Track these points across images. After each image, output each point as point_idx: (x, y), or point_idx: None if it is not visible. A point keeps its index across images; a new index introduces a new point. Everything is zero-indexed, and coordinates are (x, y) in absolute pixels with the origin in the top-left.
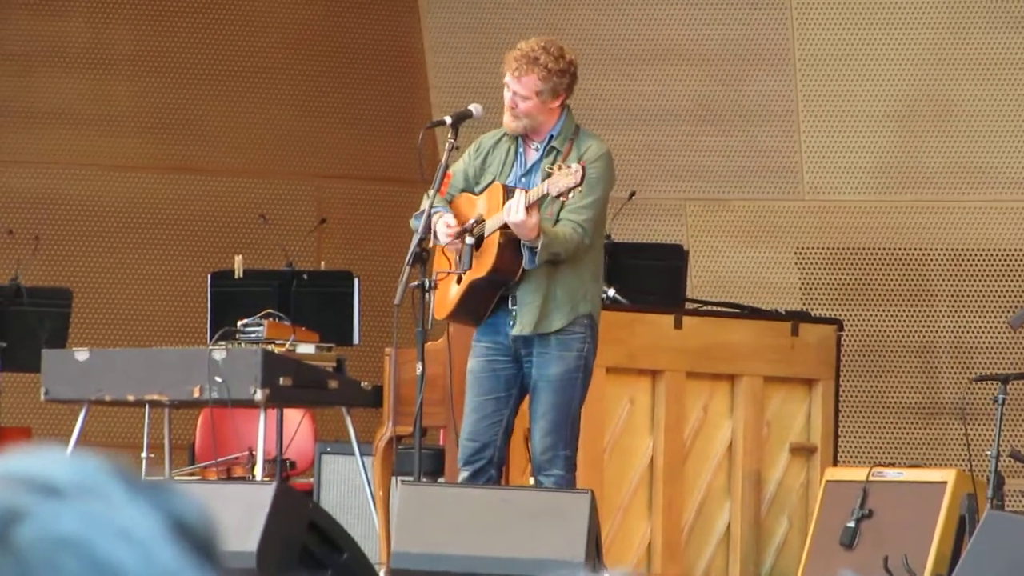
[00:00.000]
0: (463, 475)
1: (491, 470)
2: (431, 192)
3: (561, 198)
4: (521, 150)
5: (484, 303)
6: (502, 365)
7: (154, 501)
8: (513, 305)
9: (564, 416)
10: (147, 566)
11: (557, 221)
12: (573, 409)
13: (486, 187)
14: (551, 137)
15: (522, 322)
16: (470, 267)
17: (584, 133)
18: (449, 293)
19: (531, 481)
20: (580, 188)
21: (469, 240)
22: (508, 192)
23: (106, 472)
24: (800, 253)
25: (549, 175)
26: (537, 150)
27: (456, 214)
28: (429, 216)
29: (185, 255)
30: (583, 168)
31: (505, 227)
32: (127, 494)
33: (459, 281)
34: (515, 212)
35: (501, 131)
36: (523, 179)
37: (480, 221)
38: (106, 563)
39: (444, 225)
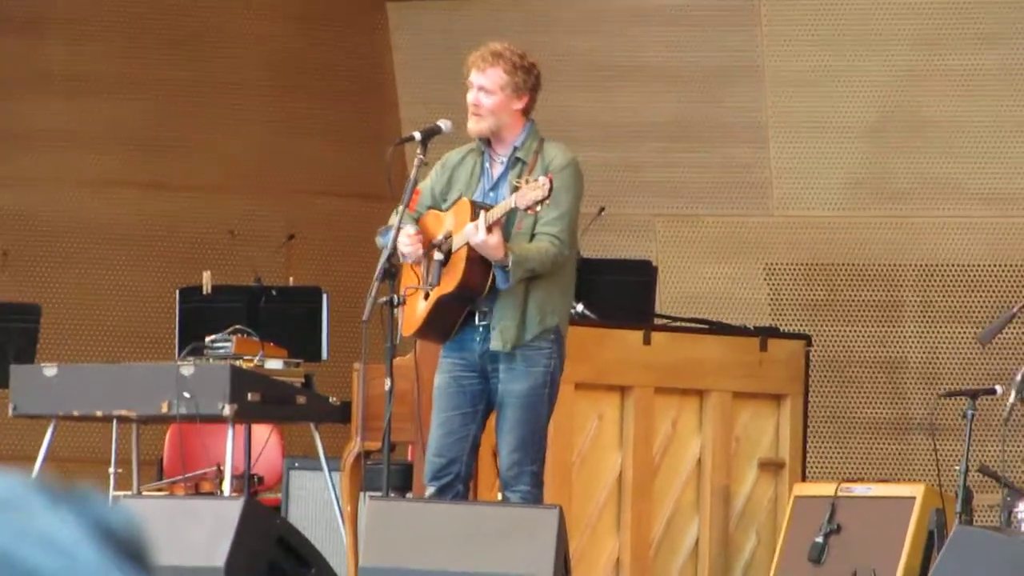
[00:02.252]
0: (430, 490)
1: (458, 485)
2: (400, 208)
3: (529, 211)
4: (487, 164)
5: (451, 319)
6: (468, 381)
7: (77, 509)
8: (481, 321)
9: (531, 432)
10: (71, 571)
11: (532, 236)
12: (540, 425)
13: (453, 203)
14: (515, 148)
15: (503, 338)
16: (438, 283)
17: (549, 143)
18: (416, 310)
19: (499, 496)
20: (547, 201)
21: (438, 256)
22: (475, 207)
23: (25, 485)
24: (769, 269)
25: (516, 188)
26: (502, 163)
27: (423, 231)
28: (397, 232)
29: (153, 271)
30: (550, 180)
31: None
32: (48, 504)
33: (426, 297)
34: (476, 233)
35: (467, 148)
36: (490, 193)
37: (448, 237)
38: (30, 570)
39: (404, 235)
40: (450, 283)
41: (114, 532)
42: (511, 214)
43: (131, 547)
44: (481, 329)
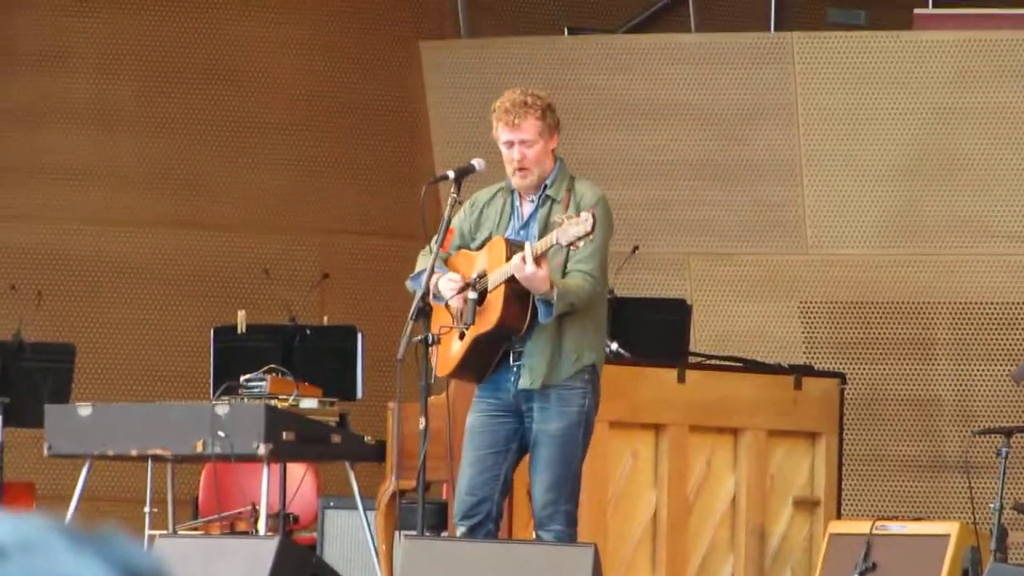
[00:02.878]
0: (460, 529)
1: (489, 524)
2: (433, 246)
3: (572, 247)
4: (517, 203)
5: (488, 358)
6: (502, 420)
7: (100, 551)
8: (515, 361)
9: (565, 471)
10: None
11: (565, 273)
12: (574, 464)
13: (482, 243)
14: (545, 187)
15: (532, 376)
16: (473, 322)
17: (579, 181)
18: (451, 349)
19: (534, 535)
20: (591, 236)
21: (472, 295)
22: (511, 246)
23: (47, 528)
24: (803, 307)
25: (559, 224)
26: (532, 201)
27: (454, 271)
28: (431, 273)
29: (188, 310)
30: (593, 216)
31: (510, 280)
32: (71, 546)
33: (461, 337)
34: (524, 267)
35: (496, 187)
36: (521, 232)
37: (483, 276)
38: None
39: (448, 281)
40: (488, 322)
41: (138, 573)
42: (543, 236)
43: None
44: (515, 369)
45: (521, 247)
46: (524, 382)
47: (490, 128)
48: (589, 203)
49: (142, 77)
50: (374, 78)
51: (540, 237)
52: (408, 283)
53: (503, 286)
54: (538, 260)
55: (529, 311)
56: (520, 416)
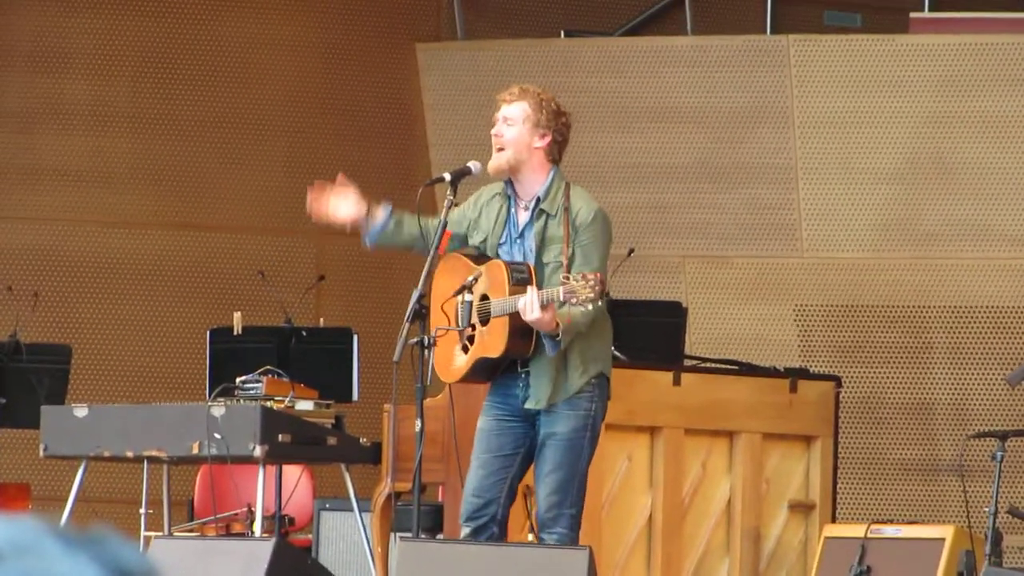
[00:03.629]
0: (464, 531)
1: (493, 527)
2: (430, 246)
3: (576, 304)
4: (513, 211)
5: (493, 373)
6: (512, 424)
7: (92, 553)
8: (523, 367)
9: (570, 475)
10: None
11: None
12: (579, 468)
13: (478, 245)
14: (539, 199)
15: (537, 396)
16: (469, 324)
17: (575, 191)
18: (453, 357)
19: (528, 538)
20: (599, 302)
21: (468, 297)
22: (511, 270)
23: (41, 530)
24: (799, 310)
25: (568, 283)
26: (527, 209)
27: (451, 271)
28: (429, 275)
29: (184, 312)
30: (601, 281)
31: (515, 314)
32: (64, 549)
33: (465, 350)
34: (531, 312)
35: (496, 189)
36: (517, 241)
37: (477, 278)
38: None
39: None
40: (493, 349)
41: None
42: (542, 251)
43: None
44: (524, 375)
45: (521, 272)
46: (530, 403)
47: (487, 130)
48: (585, 221)
49: (138, 78)
50: (370, 80)
51: (538, 253)
52: (365, 239)
53: (507, 318)
54: (544, 307)
55: (534, 338)
56: (530, 421)
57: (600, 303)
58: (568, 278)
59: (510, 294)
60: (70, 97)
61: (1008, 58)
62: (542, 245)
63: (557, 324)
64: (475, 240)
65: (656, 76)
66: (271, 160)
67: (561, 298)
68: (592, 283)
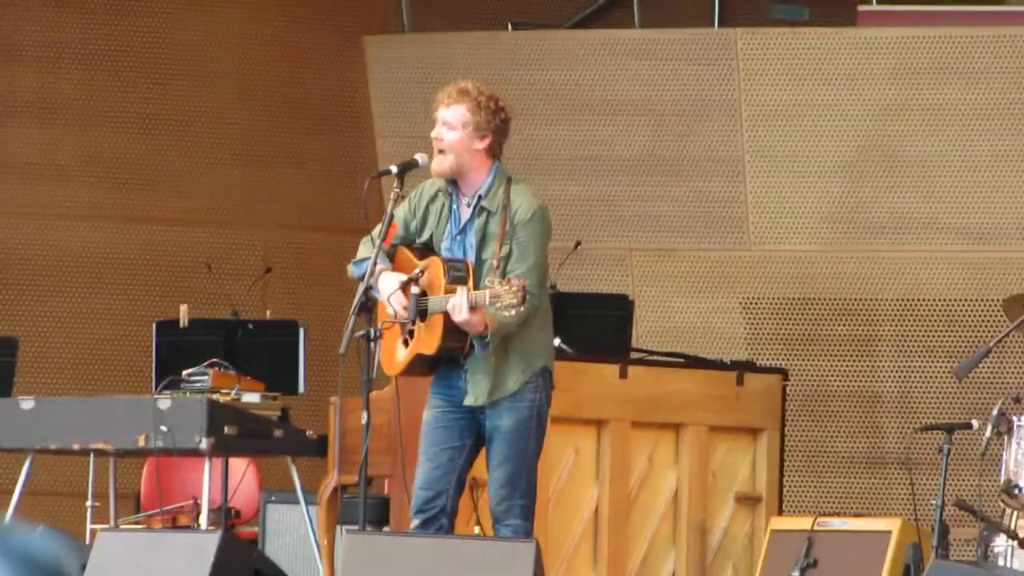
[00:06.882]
0: (414, 523)
1: (443, 519)
2: (374, 238)
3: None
4: (455, 207)
5: (433, 367)
6: (456, 415)
7: None
8: (464, 360)
9: (518, 466)
10: None
11: (503, 269)
12: (527, 459)
13: (425, 241)
14: (480, 197)
15: (475, 393)
16: (416, 317)
17: (516, 187)
18: (396, 350)
19: (475, 530)
20: (522, 309)
21: (415, 290)
22: (448, 267)
23: None
24: (746, 303)
25: (493, 287)
26: (469, 205)
27: (397, 269)
28: (374, 265)
29: (131, 304)
30: (523, 288)
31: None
32: None
33: (405, 344)
34: (458, 313)
35: (437, 184)
36: (457, 237)
37: (424, 271)
38: None
39: (390, 277)
40: (429, 346)
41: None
42: (482, 248)
43: (52, 573)
44: (463, 371)
45: (458, 270)
46: (468, 399)
47: (433, 123)
48: (523, 219)
49: (86, 71)
50: (318, 72)
51: (478, 250)
52: (350, 267)
53: (442, 315)
54: (472, 309)
55: (469, 336)
56: (474, 412)
57: (523, 309)
58: (493, 282)
59: (445, 292)
60: (18, 90)
61: (956, 51)
62: (482, 242)
63: (486, 326)
64: (423, 238)
65: (604, 68)
66: (218, 152)
67: (487, 301)
68: (515, 288)
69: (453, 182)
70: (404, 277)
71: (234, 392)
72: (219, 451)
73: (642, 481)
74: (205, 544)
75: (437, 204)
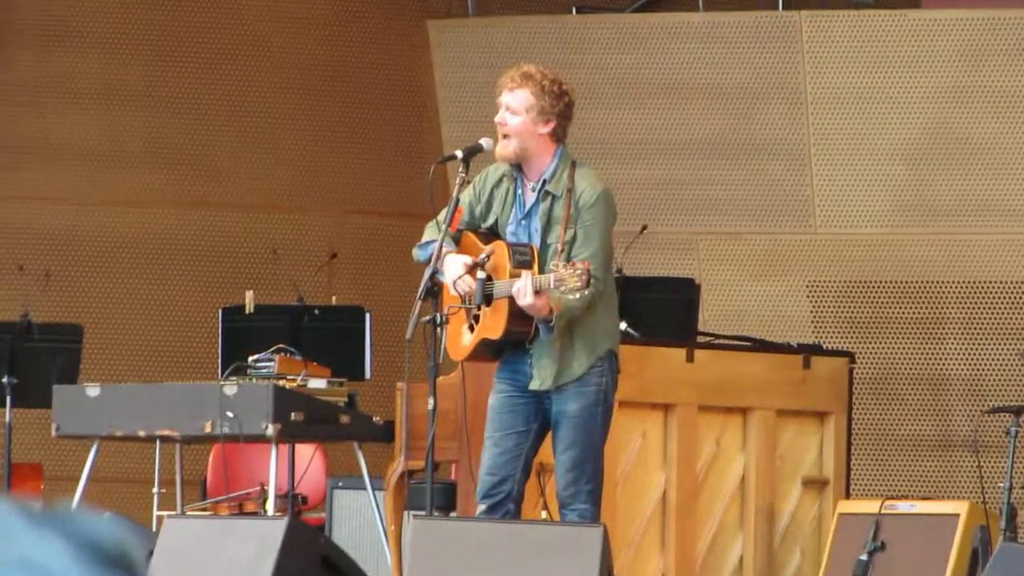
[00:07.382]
0: (480, 508)
1: (509, 504)
2: (439, 223)
3: (567, 294)
4: (520, 191)
5: (499, 352)
6: (522, 400)
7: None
8: (530, 344)
9: (585, 451)
10: None
11: (569, 253)
12: (594, 443)
13: (490, 226)
14: (545, 181)
15: (541, 377)
16: (482, 301)
17: (580, 171)
18: (462, 335)
19: (542, 515)
20: (586, 292)
21: (481, 275)
22: (513, 251)
23: (8, 511)
24: (812, 286)
25: (557, 271)
26: (534, 190)
27: (463, 253)
28: (440, 248)
29: (196, 290)
30: (588, 271)
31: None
32: (29, 527)
33: (471, 329)
34: (523, 297)
35: (502, 169)
36: (523, 222)
37: (490, 255)
38: None
39: (455, 260)
40: (494, 330)
41: (99, 546)
42: (547, 232)
43: (117, 559)
44: (529, 355)
45: (524, 254)
46: (535, 384)
47: (497, 108)
48: (587, 202)
49: (150, 56)
50: (382, 57)
51: (543, 234)
52: (415, 250)
53: (507, 300)
54: (537, 293)
55: (534, 321)
56: (540, 396)
57: (587, 292)
58: (558, 266)
59: (510, 276)
60: (82, 75)
61: (1021, 32)
62: (547, 226)
63: (551, 310)
64: (488, 223)
65: (668, 52)
66: (283, 138)
67: (551, 285)
68: (580, 272)
69: (518, 167)
70: (469, 260)
71: (300, 378)
72: (286, 437)
73: (709, 465)
74: (272, 531)
75: (502, 189)
